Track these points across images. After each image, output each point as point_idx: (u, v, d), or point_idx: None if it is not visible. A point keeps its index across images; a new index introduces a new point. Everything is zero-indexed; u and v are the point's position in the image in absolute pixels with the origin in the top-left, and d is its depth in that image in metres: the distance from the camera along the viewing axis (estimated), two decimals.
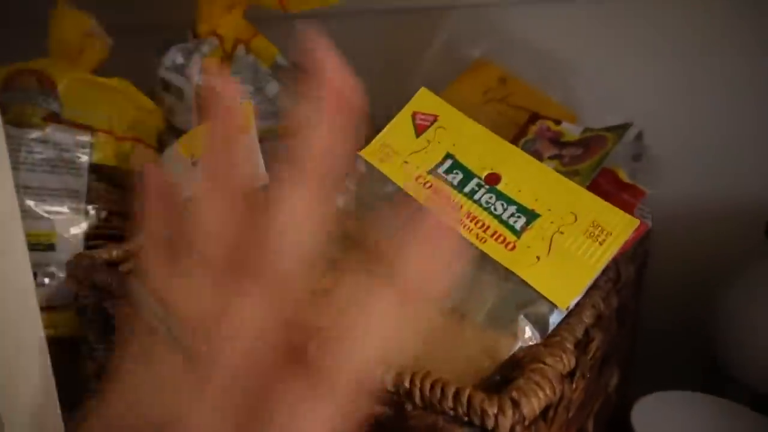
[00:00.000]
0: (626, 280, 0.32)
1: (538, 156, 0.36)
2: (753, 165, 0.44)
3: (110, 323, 0.31)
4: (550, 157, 0.37)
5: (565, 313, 0.24)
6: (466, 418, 0.19)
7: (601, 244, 0.25)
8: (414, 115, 0.30)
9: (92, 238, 0.39)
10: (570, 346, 0.23)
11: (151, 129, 0.42)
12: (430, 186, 0.27)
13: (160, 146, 0.42)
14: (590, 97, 0.44)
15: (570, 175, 0.34)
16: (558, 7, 0.46)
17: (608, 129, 0.37)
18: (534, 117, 0.40)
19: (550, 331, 0.24)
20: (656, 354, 0.44)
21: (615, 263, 0.30)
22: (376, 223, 0.28)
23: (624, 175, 0.36)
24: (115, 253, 0.33)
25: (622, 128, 0.37)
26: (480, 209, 0.26)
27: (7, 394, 0.21)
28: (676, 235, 0.44)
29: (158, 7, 0.56)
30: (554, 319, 0.24)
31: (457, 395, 0.20)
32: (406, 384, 0.20)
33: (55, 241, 0.37)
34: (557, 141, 0.38)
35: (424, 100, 0.30)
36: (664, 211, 0.44)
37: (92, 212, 0.39)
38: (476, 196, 0.27)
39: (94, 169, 0.39)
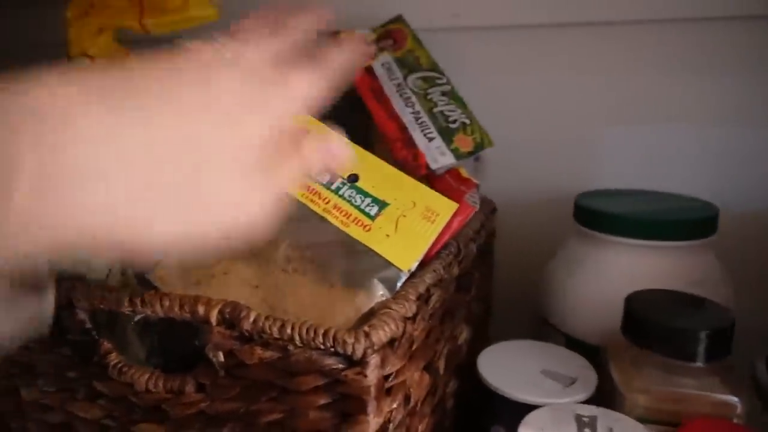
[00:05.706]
0: (467, 254, 0.41)
1: None
2: (565, 165, 0.56)
3: None
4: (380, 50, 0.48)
5: (407, 275, 0.32)
6: (332, 349, 0.27)
7: (432, 222, 0.33)
8: None
9: None
10: (412, 297, 0.31)
11: None
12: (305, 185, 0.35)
13: None
14: None
15: (446, 91, 0.46)
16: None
17: (390, 22, 0.50)
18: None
19: (397, 289, 0.32)
20: (508, 312, 0.54)
21: (456, 241, 0.39)
22: None
23: (464, 172, 0.45)
24: None
25: (398, 18, 0.50)
26: (344, 201, 0.34)
27: None
28: (516, 218, 0.55)
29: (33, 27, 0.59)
30: (400, 281, 0.32)
31: (325, 333, 0.27)
32: (289, 331, 0.27)
33: None
34: None
35: None
36: (507, 199, 0.56)
37: None
38: (341, 192, 0.34)
39: None
